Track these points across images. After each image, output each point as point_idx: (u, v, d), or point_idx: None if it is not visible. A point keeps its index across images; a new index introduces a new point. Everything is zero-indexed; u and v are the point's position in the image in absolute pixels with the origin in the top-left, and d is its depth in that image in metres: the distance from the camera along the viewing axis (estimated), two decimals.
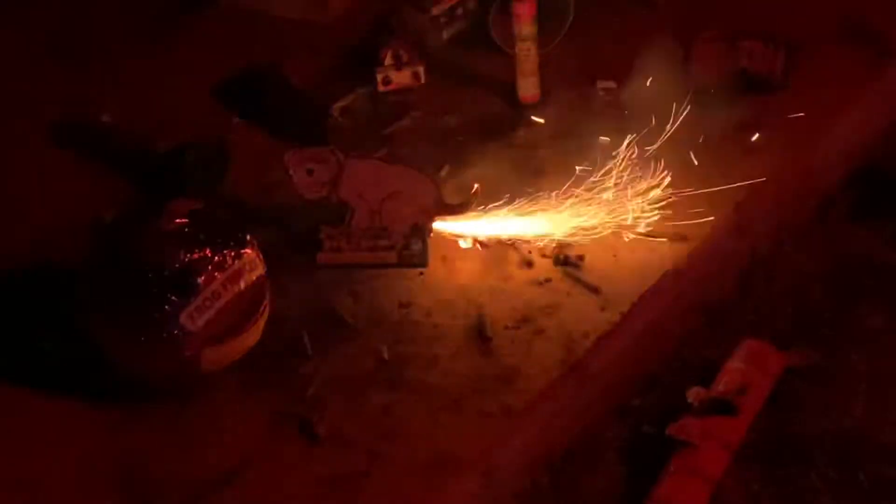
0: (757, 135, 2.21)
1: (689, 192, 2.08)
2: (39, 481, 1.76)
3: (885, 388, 2.00)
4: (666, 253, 2.04)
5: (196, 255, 1.75)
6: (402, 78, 2.35)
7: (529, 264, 2.03)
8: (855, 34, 2.41)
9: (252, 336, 1.82)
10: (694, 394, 1.94)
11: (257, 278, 1.82)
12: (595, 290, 1.97)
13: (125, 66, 2.44)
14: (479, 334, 1.92)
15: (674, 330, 2.06)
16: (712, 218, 2.06)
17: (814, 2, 2.48)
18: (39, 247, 2.04)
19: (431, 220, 2.04)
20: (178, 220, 1.78)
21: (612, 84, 2.34)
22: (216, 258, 1.77)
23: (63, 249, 1.98)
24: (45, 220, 2.10)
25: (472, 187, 2.08)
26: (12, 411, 1.85)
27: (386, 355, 1.89)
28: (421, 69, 2.36)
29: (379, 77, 2.33)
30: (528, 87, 2.30)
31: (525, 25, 2.26)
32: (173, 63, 2.45)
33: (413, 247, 2.03)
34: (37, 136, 2.29)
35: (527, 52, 2.28)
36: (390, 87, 2.34)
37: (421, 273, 2.02)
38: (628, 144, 2.10)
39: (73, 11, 2.55)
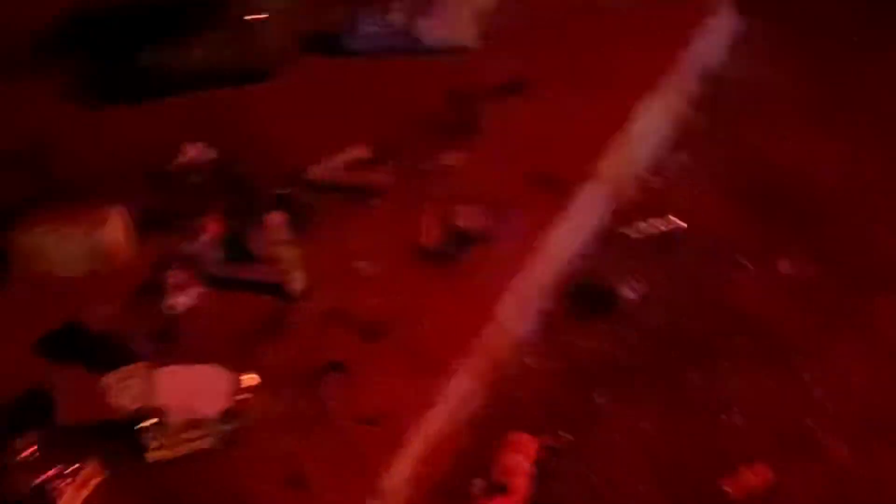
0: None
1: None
2: None
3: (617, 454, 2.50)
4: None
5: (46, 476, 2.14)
6: (186, 299, 2.73)
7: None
8: (540, 184, 2.98)
9: None
10: (476, 485, 2.39)
11: (98, 484, 2.19)
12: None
13: None
14: None
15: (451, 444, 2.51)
16: None
17: (503, 167, 3.01)
18: None
19: (233, 402, 2.42)
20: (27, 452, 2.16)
21: (365, 264, 2.79)
22: (63, 474, 2.15)
23: None
24: None
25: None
26: None
27: None
28: (200, 289, 2.75)
29: (168, 302, 2.71)
30: (295, 281, 2.73)
31: (279, 232, 2.70)
32: None
33: (225, 427, 2.40)
34: None
35: (287, 253, 2.70)
36: (177, 309, 2.71)
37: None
38: None
39: None
